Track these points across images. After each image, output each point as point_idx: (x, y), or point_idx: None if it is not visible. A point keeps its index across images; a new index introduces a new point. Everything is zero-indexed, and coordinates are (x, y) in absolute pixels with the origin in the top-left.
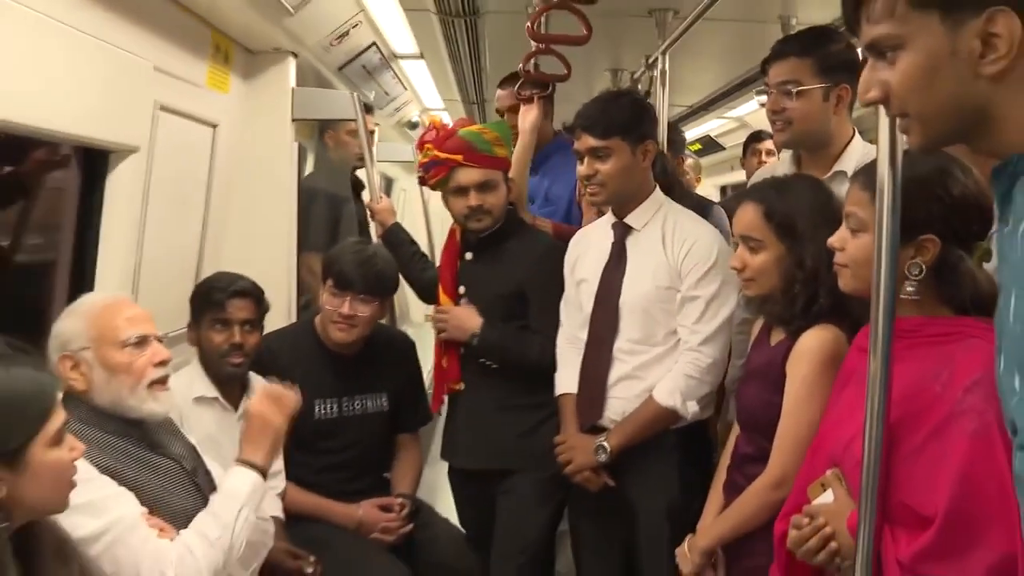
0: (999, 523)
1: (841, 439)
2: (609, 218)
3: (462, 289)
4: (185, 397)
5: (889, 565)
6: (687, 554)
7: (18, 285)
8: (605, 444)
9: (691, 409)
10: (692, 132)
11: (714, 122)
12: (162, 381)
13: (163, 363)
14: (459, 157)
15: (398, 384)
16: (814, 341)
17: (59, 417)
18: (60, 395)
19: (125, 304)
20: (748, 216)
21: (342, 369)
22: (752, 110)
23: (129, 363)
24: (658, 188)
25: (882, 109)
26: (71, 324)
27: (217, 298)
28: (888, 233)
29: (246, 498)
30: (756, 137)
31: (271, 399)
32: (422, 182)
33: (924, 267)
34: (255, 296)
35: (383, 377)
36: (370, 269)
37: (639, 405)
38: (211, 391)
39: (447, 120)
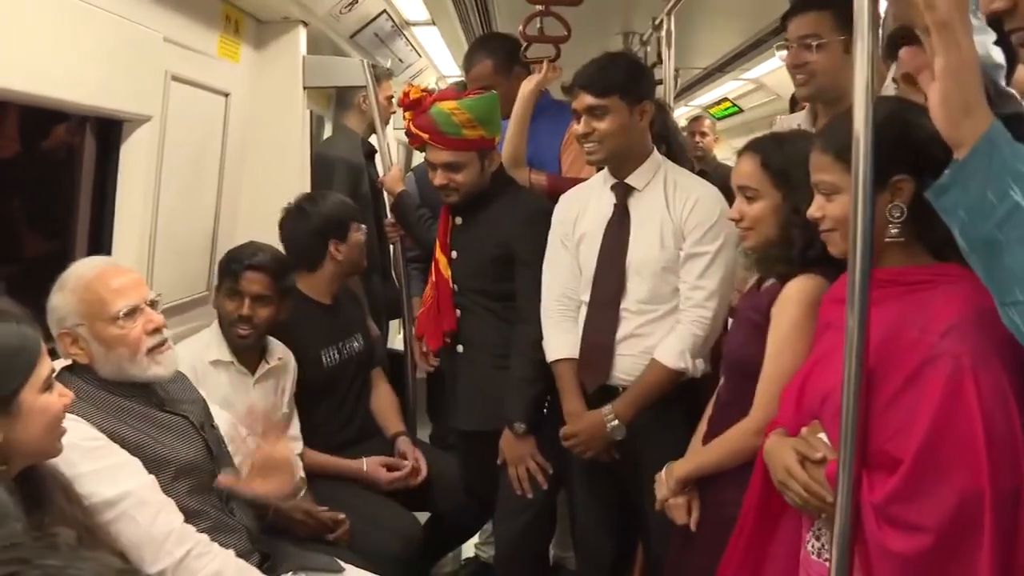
0: (964, 463)
1: (818, 392)
2: (605, 178)
3: (454, 254)
4: (203, 358)
5: (865, 509)
6: (664, 480)
7: (38, 256)
8: (618, 422)
9: (700, 367)
10: (709, 95)
11: (731, 84)
12: (159, 345)
13: (157, 330)
14: (426, 136)
15: (362, 323)
16: (799, 287)
17: (46, 366)
18: (44, 346)
19: (111, 273)
20: (746, 167)
21: (331, 317)
22: (767, 71)
23: (123, 335)
24: (656, 149)
25: (858, 62)
26: (62, 300)
27: (233, 268)
28: (863, 182)
29: None
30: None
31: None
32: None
33: (905, 208)
34: (271, 271)
35: (355, 318)
36: None
37: (644, 371)
38: (226, 355)
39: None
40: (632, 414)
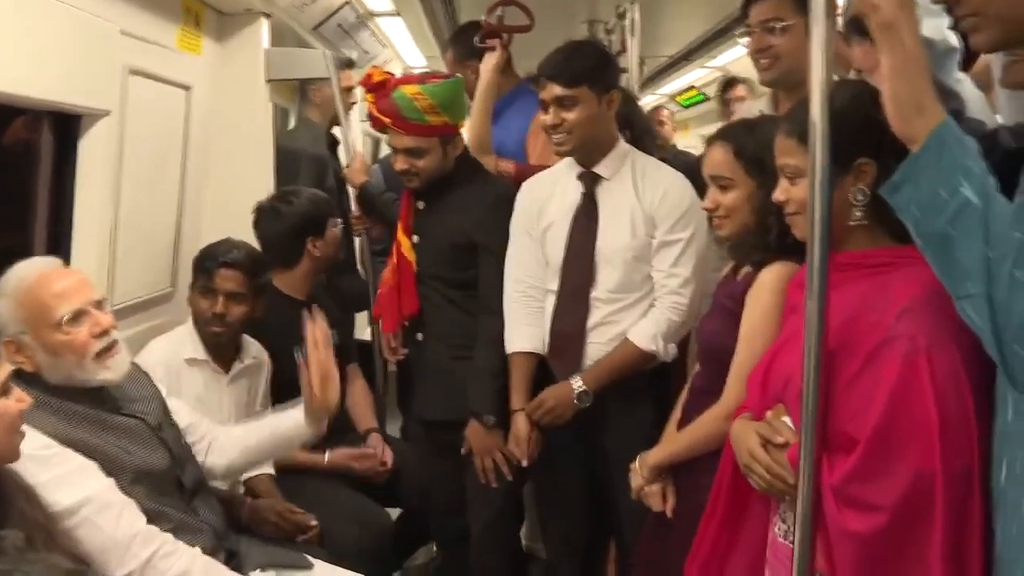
0: (917, 443)
1: (782, 376)
2: (570, 166)
3: (416, 239)
4: (178, 356)
5: (825, 491)
6: (637, 469)
7: None
8: (585, 388)
9: (671, 352)
10: (676, 83)
11: (697, 71)
12: (108, 349)
13: (105, 332)
14: (388, 120)
15: (338, 319)
16: (773, 274)
17: (3, 370)
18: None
19: (52, 276)
20: (718, 156)
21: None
22: (732, 59)
23: (69, 341)
24: (622, 138)
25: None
26: (2, 307)
27: (207, 266)
28: (820, 167)
29: None
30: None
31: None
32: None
33: (868, 191)
34: (246, 268)
35: (330, 313)
36: None
37: (615, 348)
38: (201, 353)
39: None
40: (598, 385)
